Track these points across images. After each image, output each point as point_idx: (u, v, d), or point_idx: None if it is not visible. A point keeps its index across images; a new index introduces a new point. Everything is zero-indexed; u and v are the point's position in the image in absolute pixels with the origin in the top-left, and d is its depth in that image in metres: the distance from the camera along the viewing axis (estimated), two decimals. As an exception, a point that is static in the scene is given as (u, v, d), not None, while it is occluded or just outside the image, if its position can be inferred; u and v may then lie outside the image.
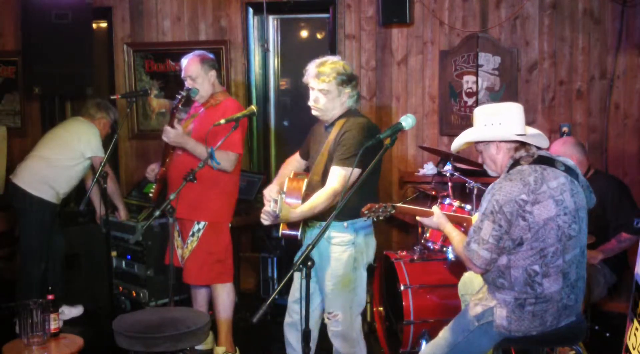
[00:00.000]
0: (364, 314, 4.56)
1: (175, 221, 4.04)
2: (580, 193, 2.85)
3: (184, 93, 3.87)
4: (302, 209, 3.11)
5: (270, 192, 3.36)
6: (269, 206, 3.01)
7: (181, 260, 4.06)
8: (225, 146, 3.68)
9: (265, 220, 3.08)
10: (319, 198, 3.12)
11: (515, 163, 2.82)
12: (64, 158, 4.63)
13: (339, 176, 3.12)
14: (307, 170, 3.59)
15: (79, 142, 4.65)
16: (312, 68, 3.28)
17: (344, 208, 3.07)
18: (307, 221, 3.28)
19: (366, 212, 2.98)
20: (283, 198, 2.99)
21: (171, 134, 3.82)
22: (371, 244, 3.37)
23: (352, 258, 3.25)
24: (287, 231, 3.24)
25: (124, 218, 4.92)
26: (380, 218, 3.00)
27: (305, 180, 3.31)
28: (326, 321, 3.36)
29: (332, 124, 3.31)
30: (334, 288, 3.26)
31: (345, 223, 3.21)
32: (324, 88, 3.23)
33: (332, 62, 3.27)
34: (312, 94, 3.29)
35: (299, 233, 3.24)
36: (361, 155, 2.89)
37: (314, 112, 3.33)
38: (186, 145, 3.85)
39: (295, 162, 3.65)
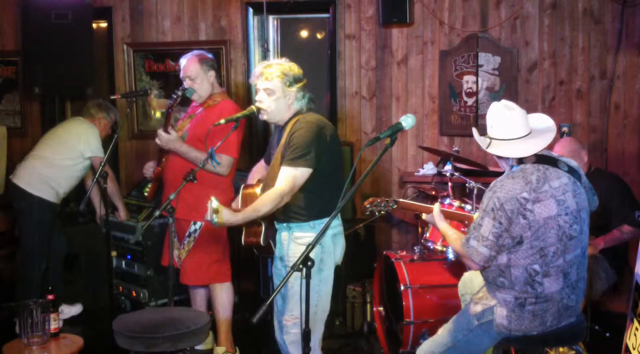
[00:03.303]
0: (364, 314, 4.58)
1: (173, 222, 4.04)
2: (582, 194, 2.86)
3: (179, 92, 3.84)
4: (244, 212, 3.03)
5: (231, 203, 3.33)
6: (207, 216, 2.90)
7: (178, 260, 4.05)
8: (220, 149, 3.67)
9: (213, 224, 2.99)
10: (264, 200, 3.03)
11: (519, 161, 2.84)
12: (63, 158, 4.63)
13: (286, 176, 3.04)
14: None
15: (79, 142, 4.65)
16: (258, 68, 3.26)
17: (308, 208, 3.08)
18: (273, 225, 3.21)
19: (367, 206, 2.98)
20: (212, 202, 2.88)
21: (163, 139, 3.83)
22: (339, 244, 3.26)
23: (317, 259, 3.09)
24: (249, 240, 3.17)
25: (124, 218, 4.92)
26: (382, 212, 3.01)
27: (261, 186, 3.24)
28: (285, 323, 3.25)
29: (284, 127, 3.26)
30: (298, 290, 2.99)
31: (311, 223, 3.14)
32: (268, 86, 3.19)
33: (279, 63, 3.25)
34: (257, 96, 3.27)
35: (260, 240, 3.17)
36: (315, 154, 2.95)
37: (261, 117, 3.28)
38: (179, 150, 3.85)
39: (262, 169, 3.59)
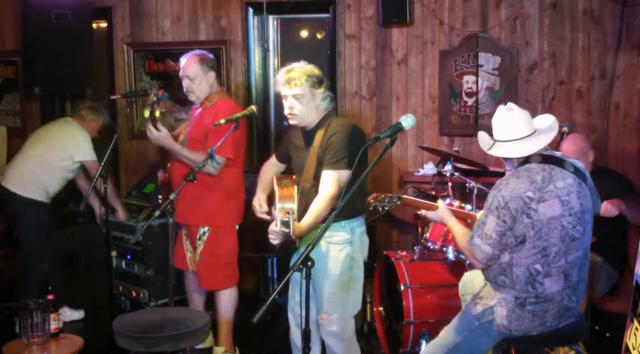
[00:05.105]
0: (364, 314, 4.58)
1: (182, 226, 4.03)
2: (587, 195, 2.86)
3: (154, 98, 3.73)
4: (308, 221, 3.06)
5: (259, 202, 3.38)
6: (276, 227, 2.90)
7: (190, 263, 4.04)
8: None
9: (274, 239, 3.01)
10: (321, 205, 3.09)
11: (525, 161, 2.85)
12: (54, 160, 4.58)
13: (333, 180, 3.12)
14: (285, 173, 3.58)
15: (67, 146, 4.60)
16: (281, 75, 3.28)
17: (339, 209, 3.10)
18: None
19: (372, 201, 2.98)
20: (295, 218, 2.90)
21: (153, 136, 3.76)
22: (365, 242, 3.39)
23: (348, 257, 3.26)
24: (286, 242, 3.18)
25: (124, 218, 4.91)
26: (386, 208, 3.01)
27: (295, 187, 3.25)
28: (320, 321, 3.34)
29: (315, 130, 3.29)
30: (330, 288, 3.27)
31: (342, 223, 3.22)
32: (297, 92, 3.22)
33: (300, 66, 3.29)
34: (287, 102, 3.27)
35: (297, 241, 3.19)
36: (352, 156, 2.93)
37: (291, 121, 3.31)
38: (171, 148, 3.80)
39: (273, 166, 3.65)
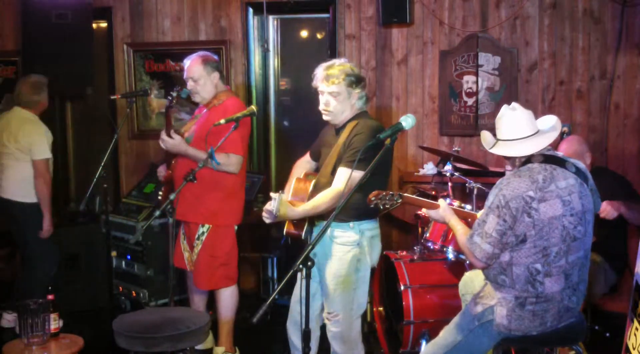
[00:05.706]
0: (364, 314, 4.57)
1: (181, 225, 4.03)
2: (588, 196, 2.86)
3: (174, 94, 3.78)
4: (304, 207, 3.15)
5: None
6: (269, 205, 3.06)
7: (187, 262, 4.04)
8: (227, 148, 3.65)
9: (267, 218, 3.14)
10: (323, 198, 3.14)
11: (527, 160, 2.85)
12: (27, 157, 4.49)
13: (345, 177, 3.12)
14: (317, 171, 3.61)
15: (27, 145, 4.47)
16: (320, 71, 3.29)
17: (350, 209, 3.12)
18: (313, 221, 3.29)
19: (373, 199, 2.97)
20: (281, 196, 3.04)
21: (168, 144, 3.79)
22: (376, 246, 3.36)
23: (355, 259, 3.25)
24: (292, 231, 3.27)
25: (46, 233, 4.52)
26: (387, 206, 2.99)
27: (313, 181, 3.32)
28: (325, 321, 3.37)
29: (343, 127, 3.32)
30: (336, 288, 3.27)
31: (350, 223, 3.23)
32: (334, 90, 3.25)
33: (340, 64, 3.30)
34: (323, 98, 3.30)
35: (302, 233, 3.24)
36: (363, 157, 2.92)
37: (325, 117, 3.34)
38: (185, 153, 3.82)
39: (305, 163, 3.67)
